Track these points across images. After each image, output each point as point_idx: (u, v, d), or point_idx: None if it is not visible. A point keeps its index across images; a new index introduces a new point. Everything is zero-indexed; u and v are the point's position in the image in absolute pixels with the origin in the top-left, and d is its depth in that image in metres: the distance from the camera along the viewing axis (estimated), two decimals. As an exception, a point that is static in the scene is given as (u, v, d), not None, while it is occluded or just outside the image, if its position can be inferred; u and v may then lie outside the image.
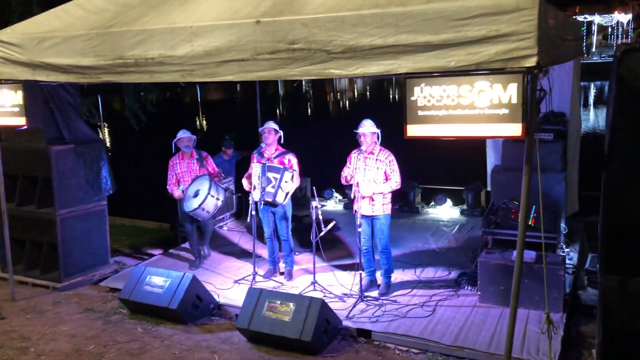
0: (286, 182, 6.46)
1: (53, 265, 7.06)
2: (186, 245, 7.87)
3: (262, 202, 6.61)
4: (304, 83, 49.14)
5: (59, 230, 6.93)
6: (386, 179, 6.05)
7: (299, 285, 6.58)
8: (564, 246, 6.90)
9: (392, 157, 6.06)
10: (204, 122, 32.71)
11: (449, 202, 9.81)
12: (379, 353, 5.25)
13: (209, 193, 6.86)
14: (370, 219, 6.17)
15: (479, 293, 5.96)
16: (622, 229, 4.02)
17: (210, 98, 47.34)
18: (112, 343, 5.61)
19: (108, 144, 23.39)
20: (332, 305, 5.61)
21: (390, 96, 42.97)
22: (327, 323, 5.32)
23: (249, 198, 6.65)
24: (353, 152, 6.18)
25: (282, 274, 6.95)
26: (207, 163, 7.33)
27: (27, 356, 5.43)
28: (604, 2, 57.45)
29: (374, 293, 6.27)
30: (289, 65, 4.37)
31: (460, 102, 3.89)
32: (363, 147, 6.02)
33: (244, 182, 6.83)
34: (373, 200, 6.05)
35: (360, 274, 6.18)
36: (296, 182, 6.61)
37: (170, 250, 8.15)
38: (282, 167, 6.50)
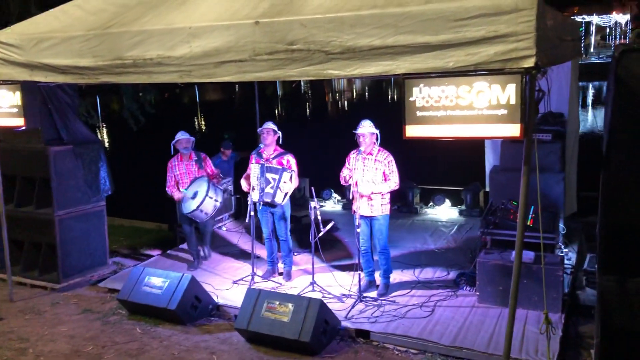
0: (285, 182, 6.46)
1: (51, 266, 7.06)
2: (185, 246, 7.87)
3: (261, 203, 6.61)
4: (302, 83, 49.18)
5: (58, 231, 6.93)
6: (385, 180, 6.05)
7: (297, 285, 6.58)
8: (563, 246, 6.91)
9: (390, 158, 6.06)
10: (203, 123, 32.69)
11: (447, 202, 9.82)
12: (378, 353, 5.25)
13: (207, 195, 6.85)
14: (369, 220, 6.18)
15: (477, 293, 5.97)
16: (621, 229, 4.02)
17: (208, 98, 47.32)
18: (111, 344, 5.60)
19: (106, 145, 23.36)
20: (330, 306, 5.61)
21: (389, 97, 42.98)
22: (325, 323, 5.32)
23: (248, 199, 6.65)
24: (352, 152, 6.18)
25: (280, 274, 6.95)
26: (206, 164, 7.32)
27: (26, 357, 5.42)
28: (602, 3, 57.51)
29: (373, 293, 6.27)
30: (288, 66, 4.36)
31: (458, 102, 3.90)
32: (362, 148, 6.03)
33: (243, 182, 6.83)
34: (372, 200, 6.06)
35: (359, 274, 6.18)
36: (295, 183, 6.61)
37: (169, 251, 8.14)
38: (280, 167, 6.50)
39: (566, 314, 5.59)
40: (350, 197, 6.22)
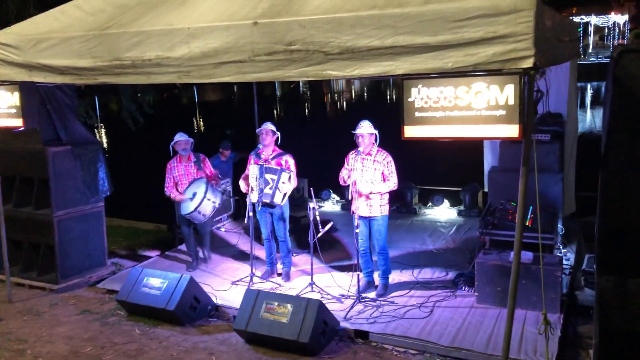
0: (283, 183, 6.46)
1: (50, 267, 7.05)
2: (183, 246, 7.85)
3: (260, 204, 6.60)
4: (301, 84, 49.20)
5: (56, 231, 6.92)
6: (384, 180, 6.05)
7: (296, 286, 6.58)
8: (561, 247, 6.91)
9: (389, 158, 6.07)
10: (202, 123, 32.68)
11: (446, 202, 9.82)
12: (377, 354, 5.25)
13: (205, 196, 6.84)
14: (368, 220, 6.18)
15: (476, 294, 5.97)
16: (619, 230, 4.03)
17: (207, 99, 47.30)
18: (110, 345, 5.60)
19: (105, 145, 23.36)
20: (329, 307, 5.61)
21: (388, 97, 43.00)
22: (324, 324, 5.32)
23: (247, 199, 6.64)
24: (351, 153, 6.18)
25: (279, 275, 6.94)
26: (205, 166, 7.31)
27: (24, 358, 5.42)
28: (601, 3, 57.59)
29: (372, 294, 6.27)
30: (287, 67, 4.36)
31: (457, 103, 3.90)
32: (361, 148, 6.03)
33: (241, 183, 6.83)
34: (370, 200, 6.06)
35: (358, 275, 6.17)
36: (293, 183, 6.61)
37: (168, 252, 8.14)
38: (279, 168, 6.50)
39: (565, 314, 5.60)
40: (350, 197, 6.22)
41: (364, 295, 6.17)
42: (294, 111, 37.23)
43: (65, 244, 7.03)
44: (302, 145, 9.57)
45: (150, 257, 8.04)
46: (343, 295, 6.25)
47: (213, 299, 6.28)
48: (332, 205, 10.30)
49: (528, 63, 3.61)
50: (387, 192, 6.10)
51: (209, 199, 6.88)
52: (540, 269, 5.15)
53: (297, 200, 9.23)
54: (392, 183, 6.06)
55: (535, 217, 5.98)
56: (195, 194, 6.94)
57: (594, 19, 57.09)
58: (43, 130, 6.86)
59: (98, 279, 7.27)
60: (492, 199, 7.08)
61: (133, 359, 5.32)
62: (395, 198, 9.05)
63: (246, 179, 6.74)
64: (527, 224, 6.04)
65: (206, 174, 7.25)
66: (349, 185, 6.21)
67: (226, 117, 30.30)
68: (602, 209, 4.15)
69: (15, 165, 7.14)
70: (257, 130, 6.81)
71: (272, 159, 6.63)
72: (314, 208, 6.23)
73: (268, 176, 6.47)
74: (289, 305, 5.37)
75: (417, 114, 4.04)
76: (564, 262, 6.34)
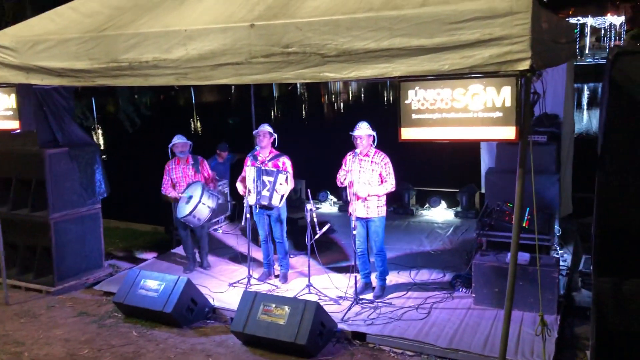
0: (280, 184, 6.46)
1: (47, 269, 7.03)
2: (180, 248, 7.83)
3: (258, 206, 6.59)
4: (298, 86, 49.11)
5: (53, 233, 6.91)
6: (381, 181, 6.06)
7: (294, 288, 6.58)
8: (558, 248, 6.92)
9: (387, 160, 6.07)
10: (199, 125, 32.65)
11: (443, 204, 9.83)
12: (374, 356, 5.25)
13: (200, 201, 6.82)
14: (365, 221, 6.18)
15: (473, 295, 5.98)
16: (616, 231, 4.04)
17: (204, 100, 47.28)
18: (107, 347, 5.59)
19: (102, 147, 23.32)
20: (327, 308, 5.61)
21: (385, 99, 43.03)
22: (322, 326, 5.32)
23: (244, 201, 6.64)
24: (348, 154, 6.19)
25: (277, 276, 6.94)
26: (203, 168, 7.29)
27: (21, 361, 5.41)
28: (597, 5, 57.77)
29: (369, 296, 6.27)
30: (284, 69, 4.37)
31: (454, 105, 3.91)
32: (358, 150, 6.03)
33: (239, 185, 6.83)
34: (368, 202, 6.06)
35: (355, 276, 6.17)
36: (290, 185, 6.61)
37: (165, 254, 8.13)
38: (275, 169, 6.50)
39: (562, 315, 5.61)
40: (348, 198, 6.22)
41: (361, 296, 6.17)
42: (291, 113, 37.22)
43: (62, 246, 7.02)
44: (299, 146, 9.59)
45: (147, 259, 8.03)
46: (340, 297, 6.25)
47: (210, 300, 6.27)
48: (329, 206, 10.30)
49: (524, 65, 3.62)
50: (384, 194, 6.11)
51: (204, 204, 6.85)
52: (537, 270, 5.17)
53: (294, 201, 9.23)
54: (390, 184, 6.06)
55: (532, 218, 5.99)
56: (191, 198, 6.92)
57: (590, 21, 57.26)
58: (40, 132, 6.85)
59: (95, 281, 7.26)
60: (489, 200, 7.09)
61: (130, 361, 5.32)
62: (393, 199, 9.05)
63: (243, 181, 6.73)
64: (524, 225, 6.06)
65: (204, 177, 7.24)
66: (346, 186, 6.21)
67: (224, 118, 30.28)
68: (598, 210, 4.16)
69: (11, 167, 7.13)
70: (254, 132, 6.80)
71: (269, 160, 6.63)
72: (311, 209, 6.23)
73: (265, 178, 6.47)
74: (286, 307, 5.37)
75: (414, 116, 4.05)
76: (561, 263, 6.35)
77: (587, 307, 5.53)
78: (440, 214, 9.63)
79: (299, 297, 6.01)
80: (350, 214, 6.12)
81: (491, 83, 3.79)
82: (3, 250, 6.66)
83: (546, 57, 4.09)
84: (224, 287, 6.73)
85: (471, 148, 9.04)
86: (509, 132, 3.80)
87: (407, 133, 4.13)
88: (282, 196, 6.54)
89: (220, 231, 9.08)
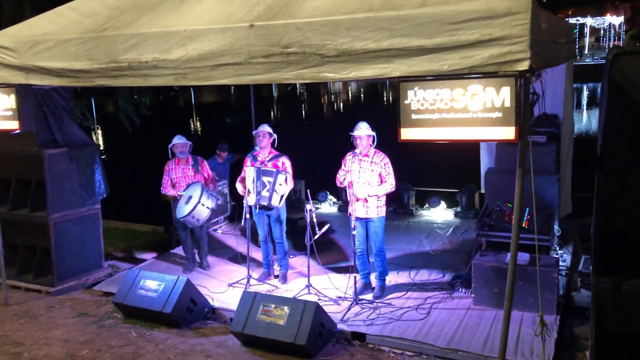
0: (280, 184, 6.46)
1: (46, 270, 7.03)
2: (180, 249, 7.82)
3: (257, 207, 6.59)
4: (298, 86, 49.11)
5: (52, 234, 6.91)
6: (381, 182, 6.06)
7: (293, 288, 6.58)
8: (558, 248, 6.92)
9: (387, 160, 6.07)
10: (198, 125, 32.65)
11: (443, 204, 9.84)
12: (374, 356, 5.25)
13: (199, 201, 6.81)
14: (365, 222, 6.18)
15: (473, 295, 5.98)
16: (615, 231, 4.04)
17: (204, 100, 47.29)
18: (106, 347, 5.59)
19: (102, 147, 23.31)
20: (326, 309, 5.61)
21: (384, 99, 43.04)
22: (321, 326, 5.32)
23: (243, 202, 6.64)
24: (348, 154, 6.19)
25: (276, 277, 6.94)
26: (203, 168, 7.29)
27: (21, 361, 5.41)
28: (597, 5, 57.78)
29: (369, 296, 6.27)
30: (283, 69, 4.37)
31: (453, 105, 3.92)
32: (358, 150, 6.03)
33: (238, 186, 6.83)
34: (366, 201, 6.06)
35: (355, 276, 6.17)
36: (290, 185, 6.61)
37: (164, 254, 8.13)
38: (275, 170, 6.50)
39: (561, 315, 5.61)
40: (347, 198, 6.22)
41: (360, 297, 6.18)
42: (290, 113, 37.23)
43: (62, 247, 7.02)
44: (299, 146, 9.59)
45: (146, 260, 8.03)
46: (340, 297, 6.25)
47: (210, 301, 6.27)
48: (329, 206, 10.30)
49: (524, 65, 3.62)
50: (384, 194, 6.11)
51: (203, 204, 6.85)
52: (536, 270, 5.17)
53: (294, 202, 9.23)
54: (390, 185, 6.06)
55: (532, 219, 5.99)
56: (191, 198, 6.92)
57: (589, 21, 57.25)
58: (39, 133, 6.85)
59: (94, 281, 7.25)
60: (488, 201, 7.09)
61: (130, 362, 5.32)
62: (392, 199, 9.05)
63: (243, 181, 6.73)
64: (523, 225, 6.06)
65: (204, 177, 7.24)
66: (345, 186, 6.21)
67: (223, 118, 30.27)
68: (598, 210, 4.16)
69: (11, 167, 7.12)
70: (254, 132, 6.80)
71: (269, 161, 6.63)
72: (310, 210, 6.23)
73: (265, 179, 6.47)
74: (285, 308, 5.37)
75: (414, 116, 4.06)
76: (561, 263, 6.35)
77: (587, 307, 5.53)
78: (440, 214, 9.63)
79: (298, 298, 6.01)
80: (350, 214, 6.12)
81: (490, 83, 3.80)
82: (2, 251, 6.66)
83: (545, 58, 4.09)
84: (223, 287, 6.73)
85: (471, 148, 9.04)
86: (508, 133, 3.80)
87: (407, 133, 4.13)
88: (282, 196, 6.54)
89: (220, 231, 9.08)
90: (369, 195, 6.01)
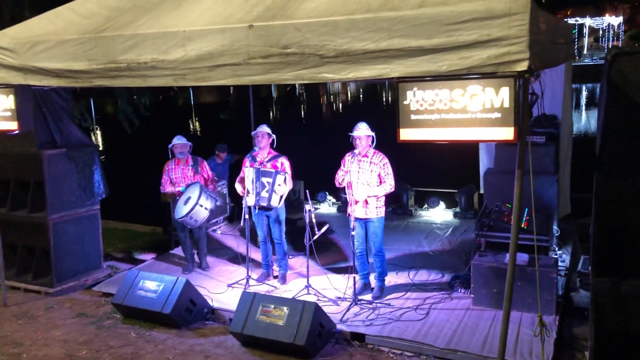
0: (279, 185, 6.46)
1: (45, 270, 7.03)
2: (179, 249, 7.82)
3: (257, 207, 6.59)
4: (297, 86, 49.10)
5: (52, 234, 6.90)
6: (380, 182, 6.06)
7: (292, 288, 6.58)
8: (557, 248, 6.93)
9: (386, 160, 6.07)
10: (197, 125, 32.64)
11: (442, 204, 9.84)
12: (373, 356, 5.25)
13: (197, 203, 6.80)
14: (364, 222, 6.18)
15: (472, 296, 5.98)
16: (614, 231, 4.05)
17: (203, 101, 47.28)
18: (105, 348, 5.59)
19: (101, 148, 23.29)
20: (325, 309, 5.61)
21: (384, 99, 43.04)
22: (320, 327, 5.32)
23: (242, 202, 6.64)
24: (347, 154, 6.19)
25: (275, 277, 6.94)
26: (202, 169, 7.28)
27: (20, 362, 5.41)
28: (595, 5, 57.82)
29: (368, 296, 6.27)
30: (282, 70, 4.37)
31: (452, 106, 3.91)
32: (357, 150, 6.03)
33: (237, 186, 6.82)
34: (367, 203, 6.06)
35: (354, 277, 6.17)
36: (289, 185, 6.61)
37: (164, 255, 8.13)
38: (274, 170, 6.50)
39: (560, 316, 5.61)
40: (347, 199, 6.22)
41: (360, 297, 6.18)
42: (290, 113, 37.23)
43: (61, 247, 7.01)
44: (298, 147, 9.58)
45: (146, 260, 8.02)
46: (339, 298, 6.25)
47: (209, 301, 6.27)
48: (328, 207, 10.30)
49: (523, 66, 3.62)
50: (384, 195, 6.11)
51: (201, 205, 6.83)
52: (535, 270, 5.18)
53: (293, 202, 9.24)
54: (389, 185, 6.06)
55: (531, 219, 6.00)
56: (189, 199, 6.92)
57: (588, 21, 57.29)
58: (38, 133, 6.85)
59: (94, 282, 7.25)
60: (487, 201, 7.09)
61: (129, 363, 5.32)
62: (392, 200, 9.05)
63: (242, 181, 6.73)
64: (522, 225, 6.06)
65: (203, 178, 7.23)
66: (344, 187, 6.21)
67: (222, 118, 30.26)
68: (597, 211, 4.17)
69: (10, 168, 7.12)
70: (253, 132, 6.80)
71: (268, 161, 6.63)
72: (310, 210, 6.23)
73: (264, 179, 6.47)
74: (285, 308, 5.37)
75: (413, 117, 4.05)
76: (560, 263, 6.36)
77: (586, 308, 5.52)
78: (439, 214, 9.64)
79: (297, 298, 6.01)
80: (349, 215, 6.12)
81: (489, 84, 3.79)
82: (2, 251, 6.65)
83: (544, 58, 4.09)
84: (222, 287, 6.73)
85: (470, 149, 9.04)
86: (507, 133, 3.80)
87: (406, 134, 4.13)
88: (281, 197, 6.54)
89: (219, 232, 9.08)
90: (368, 196, 6.01)
